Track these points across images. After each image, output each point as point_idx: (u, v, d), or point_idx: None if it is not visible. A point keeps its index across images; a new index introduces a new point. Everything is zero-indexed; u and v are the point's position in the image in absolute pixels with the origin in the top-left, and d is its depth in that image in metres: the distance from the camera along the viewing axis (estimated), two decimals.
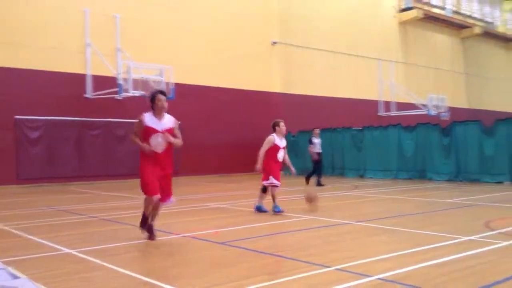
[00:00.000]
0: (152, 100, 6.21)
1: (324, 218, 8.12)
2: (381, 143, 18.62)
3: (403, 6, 30.53)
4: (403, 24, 30.70)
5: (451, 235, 6.32)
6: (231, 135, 21.71)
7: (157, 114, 6.16)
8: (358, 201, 11.13)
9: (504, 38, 38.43)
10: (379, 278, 4.32)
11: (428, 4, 32.51)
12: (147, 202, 6.17)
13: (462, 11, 35.62)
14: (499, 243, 5.79)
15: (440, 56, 33.39)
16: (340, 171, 20.12)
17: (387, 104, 27.94)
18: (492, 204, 9.92)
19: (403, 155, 17.91)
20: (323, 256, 5.39)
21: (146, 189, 6.09)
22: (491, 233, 6.49)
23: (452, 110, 26.93)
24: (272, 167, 8.75)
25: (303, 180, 15.71)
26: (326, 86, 25.83)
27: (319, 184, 15.18)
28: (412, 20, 30.72)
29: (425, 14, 30.88)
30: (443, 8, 33.65)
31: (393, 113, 27.47)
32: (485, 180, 15.25)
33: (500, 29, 38.63)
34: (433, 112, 25.05)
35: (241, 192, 13.90)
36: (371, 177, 18.51)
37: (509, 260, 5.05)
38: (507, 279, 4.28)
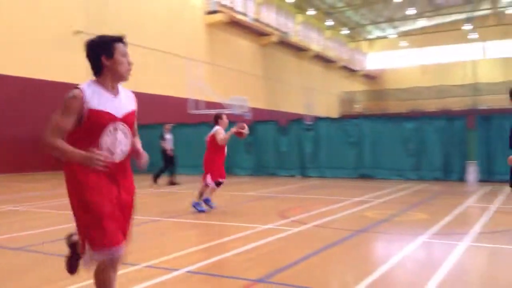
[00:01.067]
0: (106, 54, 2.98)
1: (136, 217, 7.97)
2: (193, 140, 19.07)
3: (209, 9, 31.76)
4: (210, 26, 31.94)
5: (252, 225, 6.91)
6: (27, 130, 19.52)
7: (112, 83, 3.09)
8: (172, 197, 11.27)
9: (296, 47, 43.10)
10: (187, 271, 4.48)
11: (232, 9, 34.48)
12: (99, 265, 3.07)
13: (262, 20, 38.77)
14: (291, 230, 6.55)
15: (243, 60, 35.78)
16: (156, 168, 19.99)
17: (197, 102, 28.79)
18: (286, 195, 11.13)
19: None
20: (132, 254, 5.32)
21: (100, 235, 2.95)
22: (285, 221, 7.29)
23: (253, 110, 29.13)
24: (217, 162, 8.43)
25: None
26: (138, 81, 25.19)
27: (172, 183, 14.05)
28: (218, 24, 32.19)
29: (230, 19, 32.69)
30: (245, 15, 36.11)
31: (203, 111, 28.39)
32: (280, 174, 16.99)
33: (293, 39, 43.22)
34: (237, 111, 26.72)
35: (42, 192, 12.71)
36: (184, 173, 18.85)
37: (298, 245, 5.75)
38: (297, 261, 4.87)
